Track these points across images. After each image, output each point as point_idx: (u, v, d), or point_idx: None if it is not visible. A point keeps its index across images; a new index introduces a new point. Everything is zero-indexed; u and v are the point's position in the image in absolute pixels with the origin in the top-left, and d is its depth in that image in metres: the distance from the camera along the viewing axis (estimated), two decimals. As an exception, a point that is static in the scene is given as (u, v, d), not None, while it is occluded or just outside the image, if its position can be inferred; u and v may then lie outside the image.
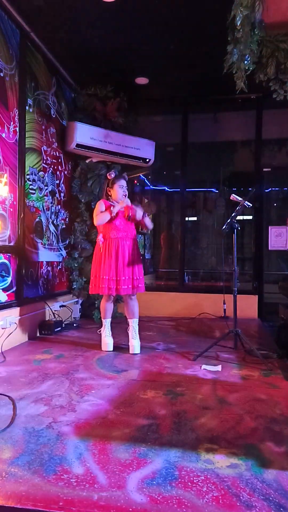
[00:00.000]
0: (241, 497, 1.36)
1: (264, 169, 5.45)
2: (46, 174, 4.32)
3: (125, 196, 3.37)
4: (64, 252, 4.80)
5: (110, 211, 3.29)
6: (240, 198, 3.35)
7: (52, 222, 4.49)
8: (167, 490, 1.40)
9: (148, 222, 3.48)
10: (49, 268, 4.42)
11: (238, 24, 2.76)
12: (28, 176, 3.88)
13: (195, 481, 1.46)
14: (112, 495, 1.37)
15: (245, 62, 3.08)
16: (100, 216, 3.30)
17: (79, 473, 1.50)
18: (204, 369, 2.86)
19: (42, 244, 4.23)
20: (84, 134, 4.61)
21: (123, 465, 1.56)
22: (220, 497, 1.36)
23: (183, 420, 1.99)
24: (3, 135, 3.42)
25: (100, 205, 3.37)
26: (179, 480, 1.46)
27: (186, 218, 5.97)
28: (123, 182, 3.40)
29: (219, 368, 2.88)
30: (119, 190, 3.37)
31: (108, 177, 3.47)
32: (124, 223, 3.37)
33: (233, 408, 2.16)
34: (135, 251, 3.40)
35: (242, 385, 2.54)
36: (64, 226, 4.80)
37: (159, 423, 1.95)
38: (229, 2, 2.88)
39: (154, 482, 1.44)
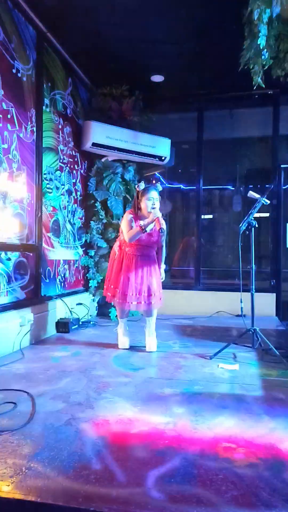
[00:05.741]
0: (260, 496, 1.35)
1: (282, 165, 5.37)
2: (63, 173, 4.36)
3: (154, 208, 3.17)
4: (80, 251, 4.84)
5: (141, 228, 3.13)
6: (257, 195, 3.31)
7: (69, 221, 4.52)
8: (186, 488, 1.40)
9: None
10: (66, 266, 4.46)
11: (255, 19, 2.72)
12: (45, 176, 3.92)
13: (213, 479, 1.45)
14: (130, 492, 1.37)
15: (262, 57, 3.04)
16: (132, 234, 3.16)
17: (98, 469, 1.51)
18: (221, 367, 2.85)
19: (59, 242, 4.27)
20: (100, 133, 4.62)
21: (141, 463, 1.56)
22: (239, 496, 1.35)
23: (200, 418, 1.98)
24: (21, 135, 3.46)
25: (129, 219, 3.23)
26: (198, 478, 1.46)
27: (202, 216, 5.93)
28: (152, 194, 3.21)
29: (236, 367, 2.86)
30: (148, 203, 3.20)
31: (137, 189, 3.30)
32: (147, 241, 3.27)
33: (251, 407, 2.14)
34: (154, 267, 3.35)
35: (260, 384, 2.51)
36: (80, 225, 4.84)
37: (176, 421, 1.95)
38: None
39: (172, 480, 1.44)
